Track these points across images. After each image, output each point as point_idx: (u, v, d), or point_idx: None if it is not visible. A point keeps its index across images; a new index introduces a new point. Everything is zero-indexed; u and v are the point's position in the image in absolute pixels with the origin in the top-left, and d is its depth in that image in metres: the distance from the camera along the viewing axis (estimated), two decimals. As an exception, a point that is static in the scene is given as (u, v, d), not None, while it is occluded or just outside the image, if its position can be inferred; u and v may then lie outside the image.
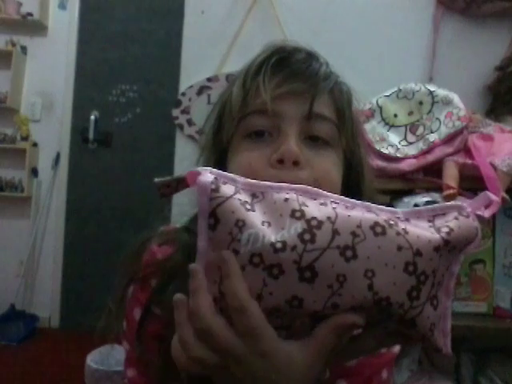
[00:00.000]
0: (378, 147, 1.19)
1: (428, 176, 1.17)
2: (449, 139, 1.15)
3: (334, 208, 0.32)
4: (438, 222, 0.33)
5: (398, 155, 1.17)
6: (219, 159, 0.49)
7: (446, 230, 0.32)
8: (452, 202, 0.34)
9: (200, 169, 0.33)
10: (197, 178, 0.32)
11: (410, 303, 0.31)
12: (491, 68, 1.82)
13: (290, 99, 0.44)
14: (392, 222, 0.32)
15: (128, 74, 2.71)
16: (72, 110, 2.73)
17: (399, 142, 1.20)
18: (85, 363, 1.66)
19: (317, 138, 0.45)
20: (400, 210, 0.34)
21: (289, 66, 0.45)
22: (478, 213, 0.33)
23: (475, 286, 1.18)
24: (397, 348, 0.53)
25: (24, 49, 2.73)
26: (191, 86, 2.08)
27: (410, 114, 1.22)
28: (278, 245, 0.30)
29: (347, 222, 0.31)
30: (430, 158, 1.16)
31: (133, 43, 2.70)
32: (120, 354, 1.72)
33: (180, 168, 2.08)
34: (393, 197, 1.14)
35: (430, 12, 1.95)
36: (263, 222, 0.31)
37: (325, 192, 0.34)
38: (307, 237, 0.30)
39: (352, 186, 0.49)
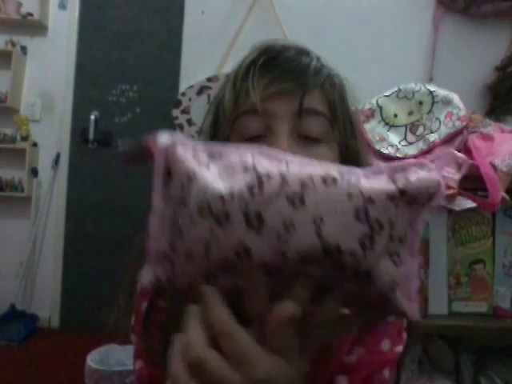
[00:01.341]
0: (378, 147, 1.19)
1: (428, 176, 1.17)
2: (449, 139, 1.15)
3: (287, 164, 0.32)
4: (397, 175, 0.32)
5: (398, 155, 1.17)
6: None
7: (403, 181, 0.31)
8: (413, 160, 0.33)
9: (160, 133, 0.33)
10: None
11: (362, 252, 0.30)
12: (491, 68, 1.82)
13: (280, 98, 0.45)
14: (346, 176, 0.31)
15: (128, 73, 2.71)
16: (72, 110, 2.73)
17: (399, 142, 1.20)
18: (85, 363, 1.66)
19: (310, 135, 0.45)
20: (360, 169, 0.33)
21: (277, 66, 0.46)
22: (445, 174, 0.32)
23: (475, 286, 1.18)
24: (400, 348, 0.53)
25: (24, 49, 2.73)
26: (191, 86, 2.08)
27: (410, 113, 1.22)
28: (227, 195, 0.30)
29: (298, 173, 0.31)
30: (430, 158, 1.16)
31: (133, 43, 2.70)
32: (120, 355, 1.72)
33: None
34: (393, 197, 1.13)
35: (430, 12, 1.94)
36: (215, 178, 0.31)
37: (283, 154, 0.34)
38: (255, 186, 0.30)
39: None
